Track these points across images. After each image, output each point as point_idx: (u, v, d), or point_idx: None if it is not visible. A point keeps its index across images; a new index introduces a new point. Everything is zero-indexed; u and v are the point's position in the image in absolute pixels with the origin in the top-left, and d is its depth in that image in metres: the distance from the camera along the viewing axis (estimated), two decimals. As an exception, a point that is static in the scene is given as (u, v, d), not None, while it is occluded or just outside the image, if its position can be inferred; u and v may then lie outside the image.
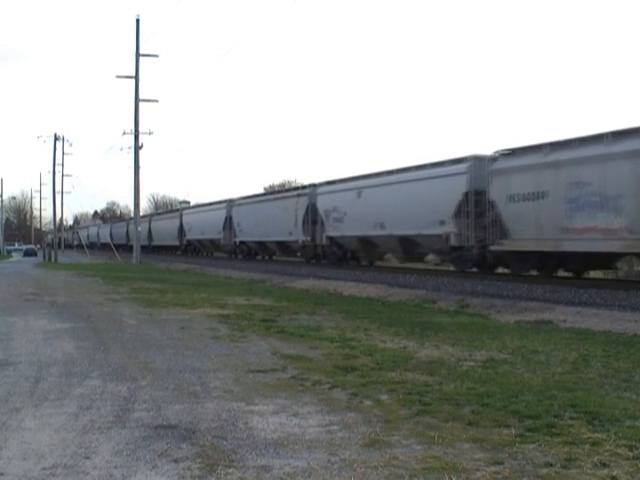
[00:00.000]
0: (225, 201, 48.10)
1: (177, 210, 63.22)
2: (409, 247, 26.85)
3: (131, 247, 68.21)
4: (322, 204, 32.77)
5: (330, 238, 32.08)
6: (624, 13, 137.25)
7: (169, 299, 18.29)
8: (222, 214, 46.91)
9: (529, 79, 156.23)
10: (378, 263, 32.68)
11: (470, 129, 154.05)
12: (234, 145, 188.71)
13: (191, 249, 58.24)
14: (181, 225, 58.08)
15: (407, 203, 25.47)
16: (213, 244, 51.16)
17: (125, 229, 76.58)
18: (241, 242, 44.17)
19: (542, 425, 5.67)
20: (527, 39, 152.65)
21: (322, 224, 32.54)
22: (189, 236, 55.97)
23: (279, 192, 41.37)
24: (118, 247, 75.01)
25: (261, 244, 41.70)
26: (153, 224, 67.77)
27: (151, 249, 68.68)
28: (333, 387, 7.28)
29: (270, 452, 5.10)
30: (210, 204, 52.88)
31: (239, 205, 45.12)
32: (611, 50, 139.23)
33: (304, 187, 36.88)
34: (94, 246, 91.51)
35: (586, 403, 6.37)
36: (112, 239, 76.66)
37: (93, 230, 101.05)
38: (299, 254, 38.26)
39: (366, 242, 29.68)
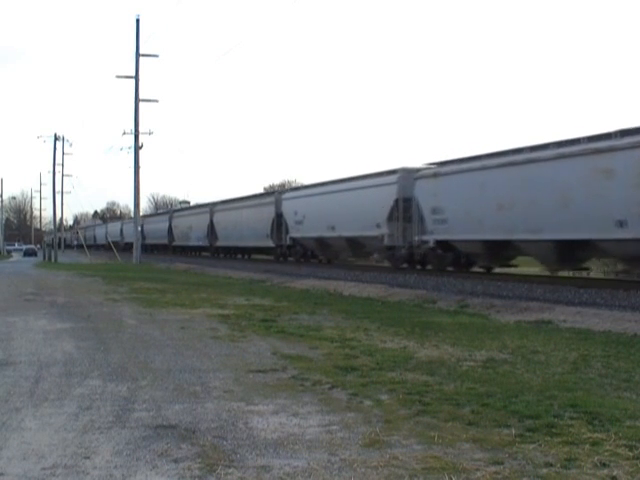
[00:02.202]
0: (395, 171, 27.91)
1: (269, 194, 42.76)
2: None
3: (176, 248, 57.31)
4: None
5: None
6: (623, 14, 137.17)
7: (169, 299, 18.28)
8: (387, 194, 27.28)
9: (527, 79, 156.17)
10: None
11: (470, 128, 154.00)
12: (234, 145, 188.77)
13: (298, 253, 36.23)
14: (279, 216, 37.17)
15: None
16: (357, 245, 30.78)
17: (166, 224, 59.94)
18: (439, 242, 24.55)
19: (542, 425, 5.67)
20: (532, 33, 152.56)
21: None
22: (297, 233, 35.17)
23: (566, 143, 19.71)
24: (154, 247, 64.09)
25: (499, 246, 22.35)
26: (217, 217, 48.70)
27: (214, 251, 50.57)
28: (333, 387, 7.27)
29: (270, 452, 5.09)
30: (355, 178, 31.42)
31: (436, 177, 24.92)
32: (614, 48, 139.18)
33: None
34: (117, 246, 70.91)
35: (586, 403, 6.37)
36: (145, 237, 61.85)
37: (114, 228, 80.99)
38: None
39: None
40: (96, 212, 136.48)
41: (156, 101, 51.55)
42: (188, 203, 75.75)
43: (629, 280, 17.62)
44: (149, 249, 65.47)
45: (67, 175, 77.31)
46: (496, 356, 9.15)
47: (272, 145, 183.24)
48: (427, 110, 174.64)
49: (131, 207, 59.91)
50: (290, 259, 37.24)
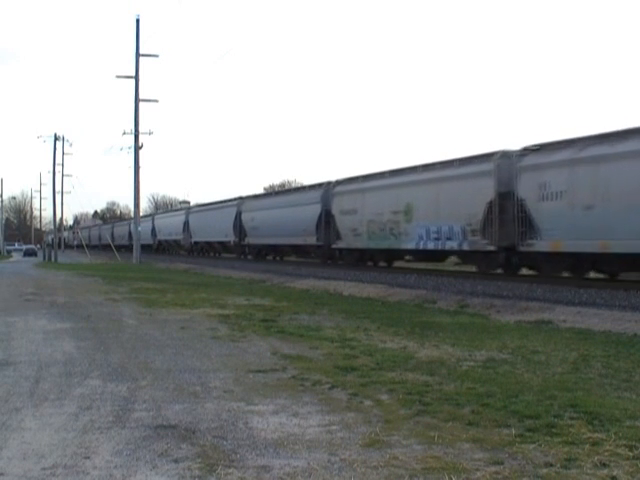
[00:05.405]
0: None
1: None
2: None
3: (277, 248, 38.25)
4: None
5: None
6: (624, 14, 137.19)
7: (169, 299, 18.27)
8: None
9: (526, 78, 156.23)
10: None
11: (469, 129, 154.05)
12: (234, 145, 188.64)
13: None
14: None
15: None
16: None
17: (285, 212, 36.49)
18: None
19: (542, 425, 5.67)
20: (533, 32, 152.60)
21: None
22: None
23: None
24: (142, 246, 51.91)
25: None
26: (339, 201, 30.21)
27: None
28: (333, 387, 7.27)
29: (270, 452, 5.09)
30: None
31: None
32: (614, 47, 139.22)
33: None
34: (166, 246, 60.27)
35: (586, 403, 6.37)
36: (212, 237, 47.21)
37: (168, 221, 60.67)
38: None
39: None
40: (96, 212, 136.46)
41: (156, 101, 51.58)
42: (188, 203, 75.45)
43: (629, 280, 17.62)
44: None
45: (67, 175, 77.37)
46: (496, 356, 9.15)
47: (272, 145, 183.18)
48: (426, 109, 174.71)
49: (131, 207, 59.71)
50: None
